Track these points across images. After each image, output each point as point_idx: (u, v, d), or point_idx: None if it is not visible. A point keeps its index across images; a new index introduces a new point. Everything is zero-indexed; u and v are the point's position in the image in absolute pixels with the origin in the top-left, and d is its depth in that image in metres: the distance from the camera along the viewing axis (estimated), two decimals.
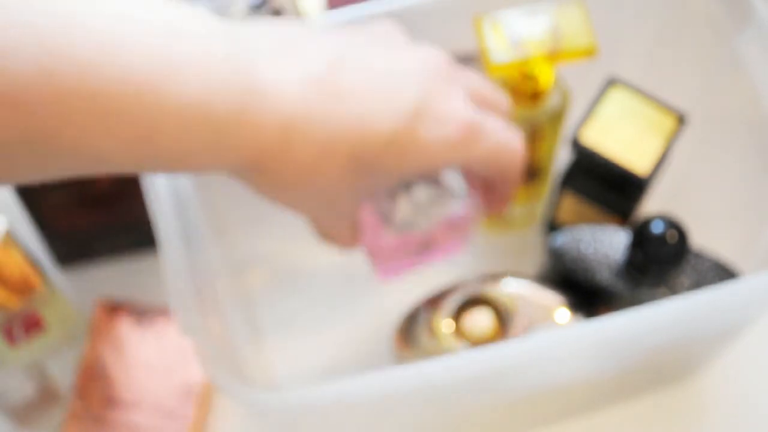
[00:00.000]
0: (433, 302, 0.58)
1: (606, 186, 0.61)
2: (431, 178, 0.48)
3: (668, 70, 0.63)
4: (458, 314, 0.57)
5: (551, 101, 0.58)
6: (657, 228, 0.53)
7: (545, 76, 0.56)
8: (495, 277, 0.59)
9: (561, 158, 0.65)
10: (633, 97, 0.60)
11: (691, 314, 0.48)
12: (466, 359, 0.46)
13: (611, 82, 0.60)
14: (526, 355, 0.47)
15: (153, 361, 0.64)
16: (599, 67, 0.61)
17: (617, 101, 0.60)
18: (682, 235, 0.53)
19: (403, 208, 0.50)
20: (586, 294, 0.57)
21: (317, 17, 0.59)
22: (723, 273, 0.56)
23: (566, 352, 0.49)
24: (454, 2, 0.56)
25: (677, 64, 0.64)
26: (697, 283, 0.55)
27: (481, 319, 0.55)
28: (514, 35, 0.53)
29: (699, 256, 0.56)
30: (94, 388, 0.63)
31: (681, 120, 0.60)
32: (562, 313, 0.55)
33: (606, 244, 0.57)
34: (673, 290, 0.55)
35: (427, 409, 0.54)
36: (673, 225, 0.53)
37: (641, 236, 0.53)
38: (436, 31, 0.58)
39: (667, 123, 0.60)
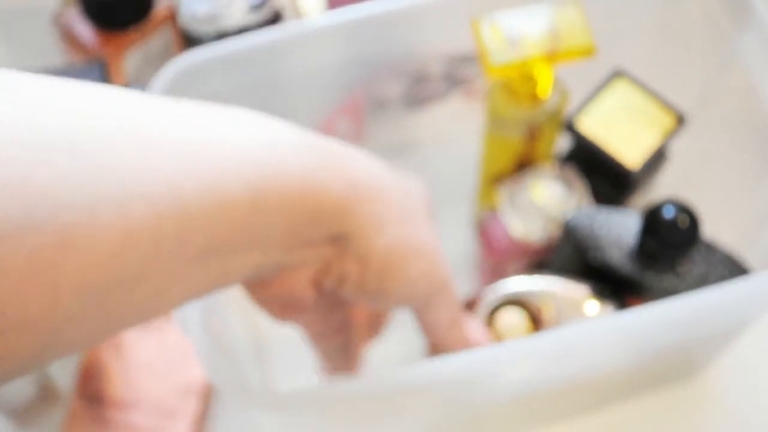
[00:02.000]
0: (467, 308, 0.58)
1: (597, 176, 0.62)
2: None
3: (668, 70, 0.63)
4: (491, 318, 0.57)
5: (550, 101, 0.58)
6: (668, 213, 0.53)
7: (544, 76, 0.56)
8: (522, 276, 0.59)
9: (560, 146, 0.65)
10: (636, 91, 0.60)
11: (699, 312, 0.48)
12: (464, 359, 0.46)
13: (617, 74, 0.61)
14: (526, 355, 0.47)
15: (153, 360, 0.64)
16: (598, 66, 0.61)
17: (620, 93, 0.60)
18: (693, 221, 0.53)
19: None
20: (597, 275, 0.57)
21: (317, 17, 0.59)
22: (734, 267, 0.56)
23: (573, 352, 0.49)
24: (453, 2, 0.56)
25: (677, 64, 0.64)
26: (707, 274, 0.55)
27: (513, 320, 0.56)
28: (513, 36, 0.53)
29: (711, 248, 0.56)
30: (94, 388, 0.63)
31: (680, 120, 0.60)
32: (591, 304, 0.55)
33: (620, 225, 0.57)
34: (683, 278, 0.55)
35: (428, 409, 0.54)
36: (684, 210, 0.53)
37: (652, 221, 0.53)
38: (436, 31, 0.58)
39: (666, 121, 0.60)
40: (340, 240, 0.39)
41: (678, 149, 0.64)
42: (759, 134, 0.58)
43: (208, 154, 0.33)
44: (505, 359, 0.47)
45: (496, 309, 0.57)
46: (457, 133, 0.67)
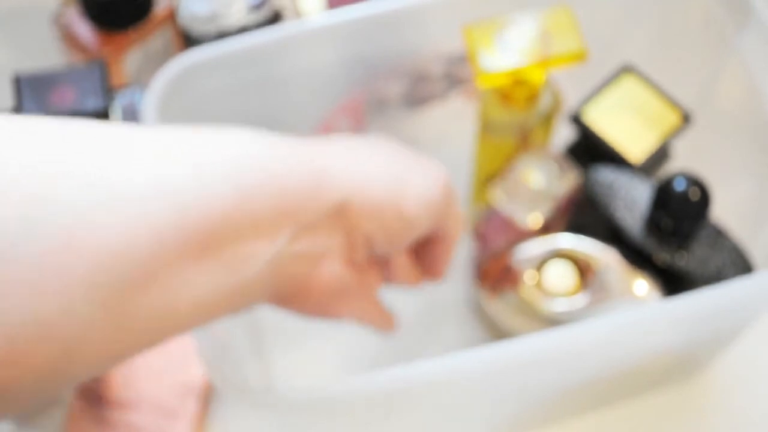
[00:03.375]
0: (498, 265, 0.59)
1: None
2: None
3: (668, 70, 0.63)
4: (541, 267, 0.57)
5: (542, 103, 0.58)
6: (679, 185, 0.53)
7: (536, 81, 0.56)
8: (572, 234, 0.59)
9: (563, 138, 0.65)
10: (643, 87, 0.61)
11: (701, 311, 0.48)
12: (458, 361, 0.46)
13: (625, 69, 0.61)
14: (523, 355, 0.47)
15: (153, 360, 0.64)
16: (607, 61, 0.61)
17: (627, 88, 0.60)
18: (704, 195, 0.53)
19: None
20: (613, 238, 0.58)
21: (317, 17, 0.59)
22: (738, 259, 0.56)
23: (572, 353, 0.49)
24: (453, 3, 0.56)
25: (677, 64, 0.64)
26: (710, 258, 0.55)
27: (562, 275, 0.56)
28: (504, 43, 0.53)
29: (720, 234, 0.56)
30: (94, 388, 0.63)
31: (686, 118, 0.60)
32: (640, 285, 0.55)
33: (639, 191, 0.57)
34: (685, 256, 0.55)
35: (427, 410, 0.54)
36: (696, 183, 0.53)
37: (664, 193, 0.54)
38: (436, 31, 0.58)
39: (672, 118, 0.60)
40: (343, 212, 0.39)
41: (680, 148, 0.64)
42: (759, 134, 0.58)
43: (188, 160, 0.35)
44: (506, 360, 0.47)
45: (548, 259, 0.58)
46: (457, 133, 0.67)
